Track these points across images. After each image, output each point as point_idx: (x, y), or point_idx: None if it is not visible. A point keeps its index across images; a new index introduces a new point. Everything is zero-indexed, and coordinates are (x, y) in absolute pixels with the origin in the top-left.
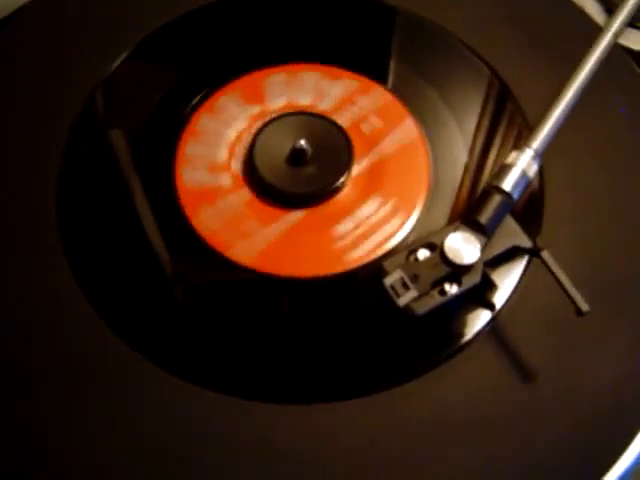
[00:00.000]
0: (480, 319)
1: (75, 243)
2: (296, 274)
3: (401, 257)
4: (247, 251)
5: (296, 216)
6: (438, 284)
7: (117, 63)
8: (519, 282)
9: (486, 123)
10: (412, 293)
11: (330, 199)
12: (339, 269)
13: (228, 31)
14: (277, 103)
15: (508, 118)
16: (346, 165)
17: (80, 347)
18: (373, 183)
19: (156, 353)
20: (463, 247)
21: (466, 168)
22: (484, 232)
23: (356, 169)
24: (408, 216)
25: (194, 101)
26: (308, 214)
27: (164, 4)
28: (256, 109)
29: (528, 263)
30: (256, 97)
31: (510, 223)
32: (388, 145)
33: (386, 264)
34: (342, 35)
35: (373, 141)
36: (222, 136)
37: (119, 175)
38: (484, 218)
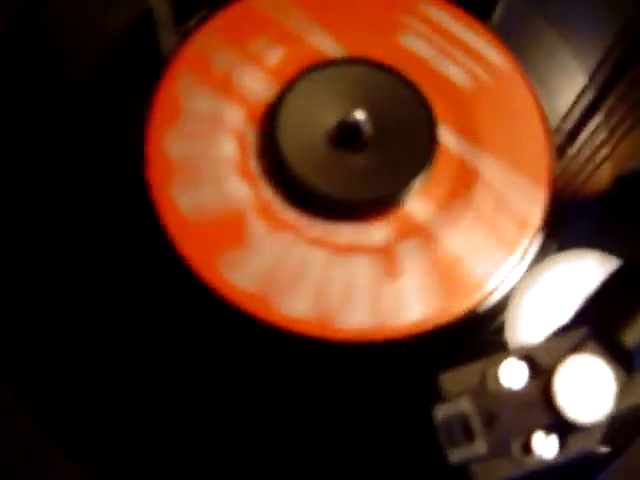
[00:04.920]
0: None
1: None
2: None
3: (474, 372)
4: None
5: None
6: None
7: None
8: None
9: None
10: (478, 447)
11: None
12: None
13: None
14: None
15: None
16: (425, 154)
17: None
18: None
19: None
20: (586, 386)
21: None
22: (629, 363)
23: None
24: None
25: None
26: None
27: None
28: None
29: None
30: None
31: None
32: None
33: (446, 380)
34: None
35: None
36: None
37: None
38: (632, 338)
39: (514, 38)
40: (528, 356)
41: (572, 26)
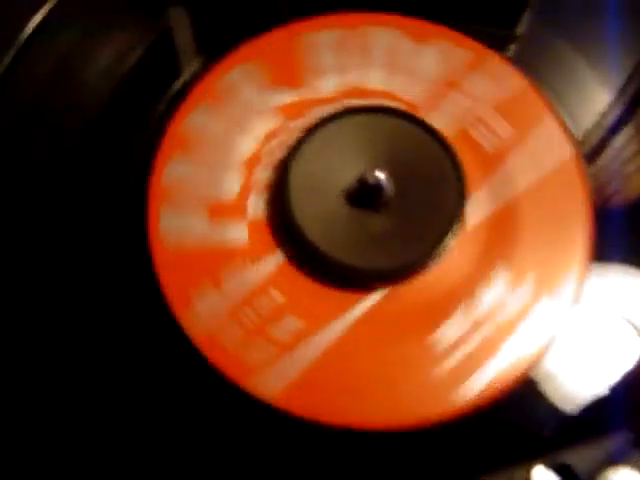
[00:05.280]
0: None
1: None
2: (358, 422)
3: None
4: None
5: (361, 307)
6: None
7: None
8: None
9: None
10: None
11: (422, 276)
12: (436, 415)
13: None
14: (325, 86)
15: None
16: (454, 212)
17: None
18: (501, 243)
19: None
20: None
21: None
22: None
23: (471, 219)
24: (563, 299)
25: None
26: (382, 304)
27: None
28: (288, 97)
29: None
30: (287, 74)
31: None
32: (523, 169)
33: None
34: None
35: (497, 163)
36: (229, 151)
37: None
38: None
39: (537, 62)
40: (561, 465)
41: (596, 48)
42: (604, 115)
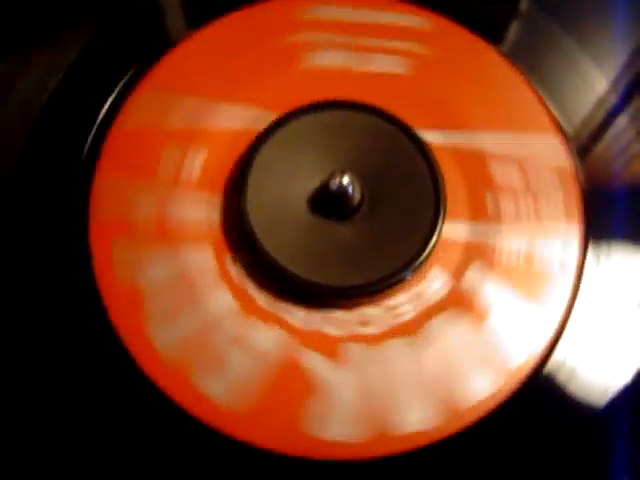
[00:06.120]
0: None
1: None
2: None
3: None
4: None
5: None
6: None
7: None
8: None
9: None
10: None
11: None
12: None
13: None
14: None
15: None
16: (433, 219)
17: None
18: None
19: None
20: None
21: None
22: None
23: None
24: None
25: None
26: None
27: None
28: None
29: None
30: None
31: None
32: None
33: None
34: None
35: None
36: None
37: None
38: None
39: (532, 50)
40: None
41: (590, 34)
42: (599, 104)
